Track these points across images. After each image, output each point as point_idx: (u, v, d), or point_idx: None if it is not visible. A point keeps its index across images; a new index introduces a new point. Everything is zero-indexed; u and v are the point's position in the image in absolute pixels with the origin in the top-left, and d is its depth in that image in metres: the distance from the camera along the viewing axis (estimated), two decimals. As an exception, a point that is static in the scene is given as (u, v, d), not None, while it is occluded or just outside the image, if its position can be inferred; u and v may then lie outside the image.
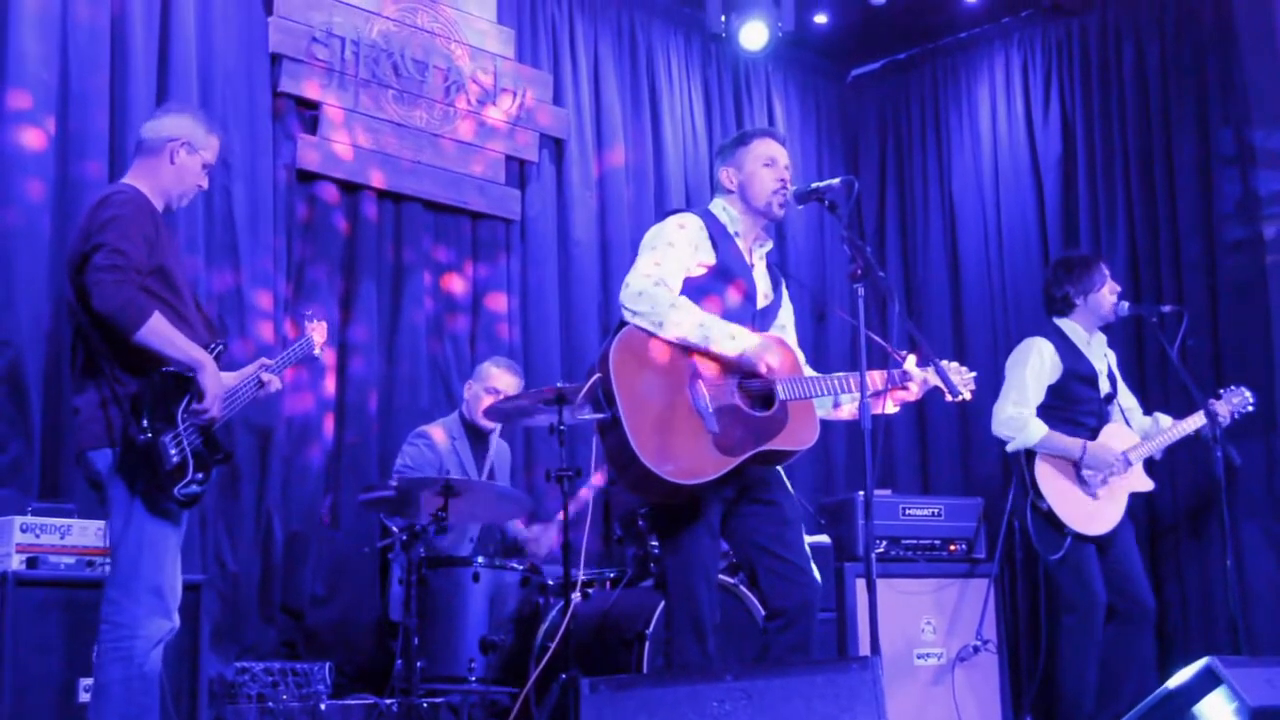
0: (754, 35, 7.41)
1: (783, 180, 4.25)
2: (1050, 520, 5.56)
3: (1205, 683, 4.58)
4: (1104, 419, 5.77)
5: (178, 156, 4.10)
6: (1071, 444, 5.61)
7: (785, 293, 4.44)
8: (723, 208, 4.30)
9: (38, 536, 4.51)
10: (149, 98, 5.58)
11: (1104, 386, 5.81)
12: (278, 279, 6.05)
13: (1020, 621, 6.99)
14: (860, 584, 6.17)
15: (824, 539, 6.31)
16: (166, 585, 3.89)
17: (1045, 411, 5.69)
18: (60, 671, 4.40)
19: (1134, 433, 5.83)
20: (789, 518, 4.14)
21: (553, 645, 4.98)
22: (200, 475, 3.88)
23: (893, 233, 8.49)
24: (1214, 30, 7.06)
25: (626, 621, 5.13)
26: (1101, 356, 5.88)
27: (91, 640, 3.96)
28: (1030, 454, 5.64)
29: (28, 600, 4.36)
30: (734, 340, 3.99)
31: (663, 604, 5.00)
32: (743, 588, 5.22)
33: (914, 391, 4.24)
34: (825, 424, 4.38)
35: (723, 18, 7.44)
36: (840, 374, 4.20)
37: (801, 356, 4.30)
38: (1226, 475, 5.77)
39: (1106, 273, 5.86)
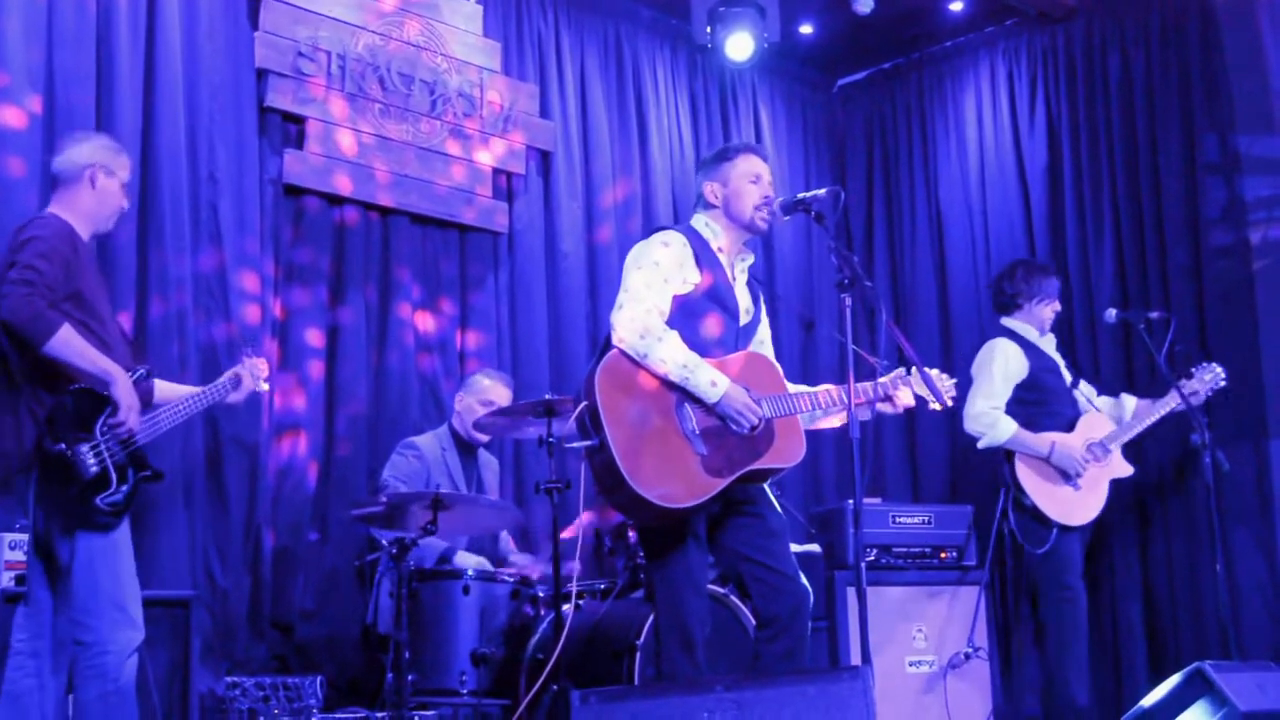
0: (740, 46, 7.41)
1: (767, 196, 4.28)
2: (1035, 515, 5.64)
3: (1195, 688, 4.59)
4: (1077, 407, 5.86)
5: (97, 181, 4.18)
6: (1040, 443, 5.70)
7: (764, 305, 4.47)
8: (705, 223, 4.32)
9: (26, 554, 4.50)
10: (135, 117, 5.59)
11: (1066, 376, 5.96)
12: (265, 294, 6.05)
13: (1011, 629, 6.98)
14: (851, 592, 6.17)
15: (814, 547, 6.31)
16: (126, 596, 3.96)
17: (1024, 408, 5.81)
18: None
19: (1110, 420, 5.91)
20: (774, 529, 4.17)
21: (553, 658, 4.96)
22: (126, 487, 3.94)
23: (880, 242, 8.50)
24: (1199, 37, 7.08)
25: (617, 633, 5.12)
26: (1055, 351, 6.01)
27: (80, 655, 3.98)
28: (1010, 452, 5.73)
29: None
30: (714, 387, 4.00)
31: (653, 615, 5.00)
32: (733, 597, 5.22)
33: (896, 406, 4.28)
34: (814, 433, 4.39)
35: (708, 29, 7.44)
36: (823, 388, 4.23)
37: (779, 369, 4.33)
38: (1216, 480, 5.80)
39: (1056, 289, 6.02)
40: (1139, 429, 5.92)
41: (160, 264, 5.60)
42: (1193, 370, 6.05)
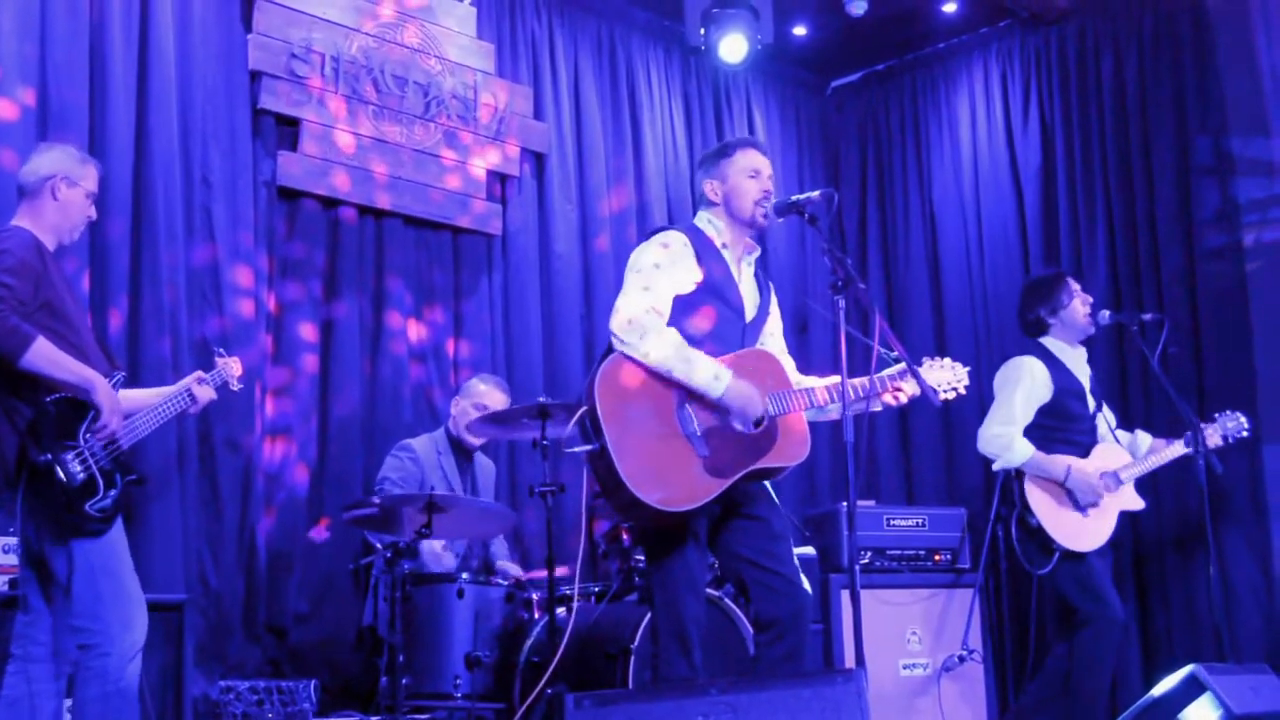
0: (733, 48, 7.40)
1: (766, 191, 4.27)
2: (1037, 536, 5.53)
3: (1190, 690, 4.60)
4: (1096, 436, 5.77)
5: (59, 192, 4.17)
6: (1056, 467, 5.56)
7: (774, 299, 4.46)
8: (708, 220, 4.31)
9: (18, 561, 4.49)
10: (128, 117, 5.59)
11: (1090, 402, 5.81)
12: (259, 289, 6.04)
13: (1006, 631, 6.99)
14: (845, 595, 6.17)
15: (809, 550, 6.31)
16: (129, 598, 3.98)
17: (1041, 432, 5.63)
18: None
19: (1125, 451, 5.83)
20: (776, 532, 4.15)
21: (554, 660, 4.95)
22: (114, 492, 3.96)
23: (874, 243, 8.51)
24: (1192, 40, 7.09)
25: (612, 636, 5.11)
26: (1084, 371, 5.88)
27: (76, 661, 3.98)
28: (1020, 470, 5.62)
29: (12, 622, 4.35)
30: (717, 380, 3.98)
31: (648, 618, 5.00)
32: (727, 600, 5.21)
33: (902, 398, 4.25)
34: (810, 434, 4.38)
35: (702, 31, 7.42)
36: (827, 381, 4.21)
37: (790, 364, 4.32)
38: (1210, 484, 5.78)
39: (1075, 287, 5.85)
40: (1153, 465, 5.83)
41: (153, 259, 5.59)
42: (1216, 415, 5.95)
